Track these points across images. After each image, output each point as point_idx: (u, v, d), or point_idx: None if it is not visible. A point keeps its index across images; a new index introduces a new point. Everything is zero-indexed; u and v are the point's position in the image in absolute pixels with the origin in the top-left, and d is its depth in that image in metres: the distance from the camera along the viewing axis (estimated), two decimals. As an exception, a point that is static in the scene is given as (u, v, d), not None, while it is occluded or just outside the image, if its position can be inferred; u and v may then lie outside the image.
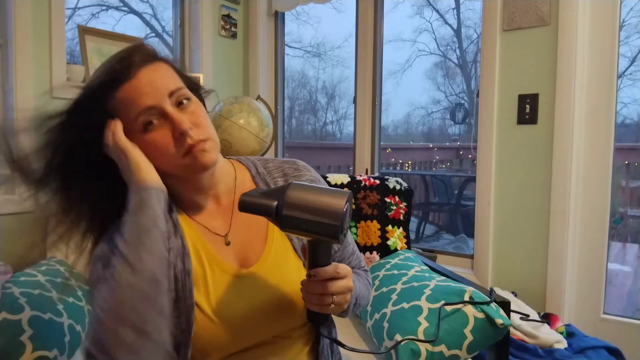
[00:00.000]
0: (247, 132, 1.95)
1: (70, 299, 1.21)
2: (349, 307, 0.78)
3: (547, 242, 1.68)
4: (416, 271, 1.35)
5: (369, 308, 1.30)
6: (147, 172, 0.67)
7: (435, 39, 7.18)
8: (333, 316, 0.81)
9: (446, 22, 7.16)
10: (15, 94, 1.57)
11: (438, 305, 1.11)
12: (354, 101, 2.33)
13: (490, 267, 1.82)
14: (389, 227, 1.72)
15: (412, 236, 2.06)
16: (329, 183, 1.72)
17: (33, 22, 1.62)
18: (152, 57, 0.70)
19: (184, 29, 2.37)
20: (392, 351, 1.07)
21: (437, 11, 6.94)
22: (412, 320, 1.11)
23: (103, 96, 0.67)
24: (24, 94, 1.59)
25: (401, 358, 1.04)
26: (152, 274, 0.60)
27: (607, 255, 1.68)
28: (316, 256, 0.65)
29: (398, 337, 1.08)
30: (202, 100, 0.78)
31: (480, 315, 1.08)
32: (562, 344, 1.41)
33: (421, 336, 1.06)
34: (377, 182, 1.76)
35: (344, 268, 0.67)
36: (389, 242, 1.70)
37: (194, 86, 0.76)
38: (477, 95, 1.86)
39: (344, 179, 1.77)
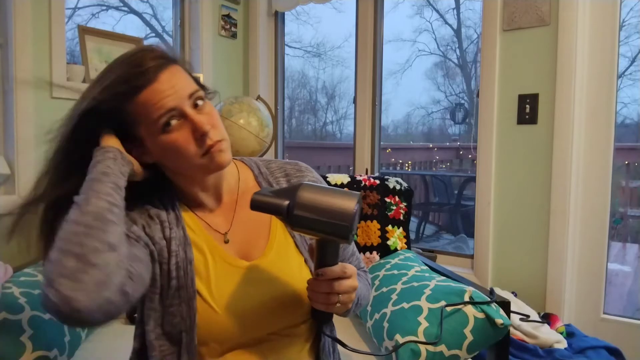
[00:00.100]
0: (247, 132, 1.95)
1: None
2: (351, 307, 0.78)
3: (547, 242, 1.68)
4: (416, 271, 1.35)
5: (369, 308, 1.30)
6: (109, 138, 0.70)
7: (435, 39, 7.19)
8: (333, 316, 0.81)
9: (446, 22, 7.17)
10: (15, 94, 1.57)
11: (438, 305, 1.11)
12: (354, 101, 2.33)
13: (490, 267, 1.82)
14: (389, 227, 1.72)
15: (412, 236, 2.06)
16: (328, 183, 1.72)
17: (33, 22, 1.62)
18: (168, 60, 0.72)
19: (184, 29, 2.37)
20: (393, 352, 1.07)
21: (437, 11, 6.94)
22: (412, 320, 1.11)
23: (124, 100, 0.69)
24: (24, 93, 1.59)
25: (401, 358, 1.04)
26: (98, 211, 0.60)
27: (607, 255, 1.68)
28: (324, 256, 0.66)
29: (398, 337, 1.08)
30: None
31: (481, 315, 1.08)
32: (562, 344, 1.41)
33: (421, 336, 1.06)
34: (377, 182, 1.76)
35: (350, 268, 0.68)
36: (389, 242, 1.70)
37: (201, 87, 0.77)
38: (477, 95, 1.86)
39: (344, 179, 1.77)
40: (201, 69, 2.31)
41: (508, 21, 1.74)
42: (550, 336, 1.41)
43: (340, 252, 0.87)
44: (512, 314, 1.24)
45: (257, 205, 0.66)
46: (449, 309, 1.10)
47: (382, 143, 2.34)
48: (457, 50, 7.14)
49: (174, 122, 0.69)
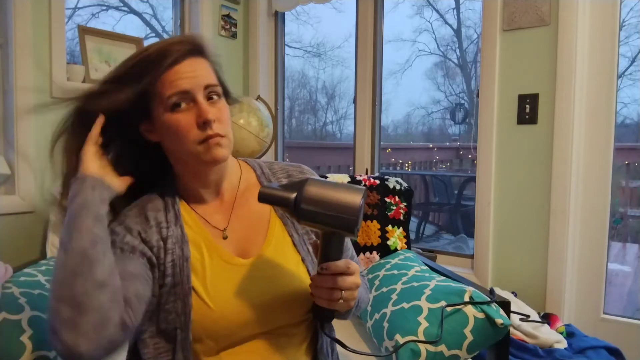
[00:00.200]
0: (247, 132, 1.95)
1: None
2: (351, 309, 0.78)
3: (547, 242, 1.68)
4: (416, 271, 1.35)
5: (368, 308, 1.30)
6: (87, 162, 0.71)
7: (435, 39, 7.19)
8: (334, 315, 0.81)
9: (446, 22, 7.17)
10: (15, 94, 1.57)
11: (438, 305, 1.11)
12: (354, 101, 2.33)
13: (490, 267, 1.82)
14: (389, 227, 1.72)
15: (412, 236, 2.06)
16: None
17: (33, 22, 1.62)
18: (197, 51, 0.76)
19: (184, 29, 2.37)
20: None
21: (437, 11, 6.94)
22: (412, 320, 1.11)
23: (149, 74, 0.73)
24: (24, 94, 1.59)
25: (401, 358, 1.04)
26: (81, 250, 0.62)
27: (607, 255, 1.68)
28: (329, 250, 0.68)
29: (398, 337, 1.08)
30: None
31: (481, 315, 1.08)
32: (562, 344, 1.41)
33: (421, 336, 1.06)
34: (377, 182, 1.76)
35: (353, 264, 0.69)
36: (389, 242, 1.70)
37: (225, 91, 0.80)
38: (477, 95, 1.86)
39: (344, 179, 1.77)
40: (201, 69, 2.31)
41: (508, 21, 1.74)
42: (550, 336, 1.41)
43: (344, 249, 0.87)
44: (512, 314, 1.24)
45: (264, 197, 0.68)
46: (449, 309, 1.10)
47: (382, 143, 2.34)
48: (457, 50, 7.14)
49: (183, 104, 0.73)
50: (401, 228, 1.73)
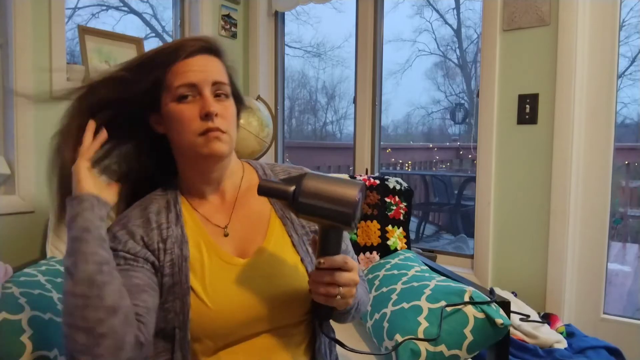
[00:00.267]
0: (247, 132, 1.95)
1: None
2: (351, 310, 0.78)
3: (547, 242, 1.68)
4: (416, 271, 1.35)
5: (368, 308, 1.30)
6: (82, 180, 0.70)
7: (435, 39, 7.19)
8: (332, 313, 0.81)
9: (446, 22, 7.17)
10: (16, 94, 1.57)
11: (438, 305, 1.11)
12: (354, 101, 2.33)
13: (490, 267, 1.82)
14: (389, 227, 1.72)
15: (412, 236, 2.06)
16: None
17: (33, 22, 1.62)
18: (214, 50, 0.79)
19: (184, 29, 2.37)
20: (393, 352, 1.07)
21: (437, 11, 6.95)
22: (412, 320, 1.11)
23: (162, 66, 0.76)
24: (24, 93, 1.59)
25: (401, 358, 1.04)
26: (88, 276, 0.63)
27: (607, 255, 1.68)
28: (327, 244, 0.68)
29: (398, 337, 1.08)
30: (239, 111, 0.84)
31: (480, 315, 1.08)
32: (562, 344, 1.41)
33: (421, 336, 1.06)
34: (377, 182, 1.76)
35: (351, 261, 0.69)
36: (389, 242, 1.70)
37: (238, 95, 0.83)
38: (477, 95, 1.86)
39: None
40: (201, 69, 2.31)
41: (508, 21, 1.74)
42: (550, 336, 1.41)
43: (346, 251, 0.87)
44: (512, 314, 1.24)
45: (264, 190, 0.69)
46: (449, 309, 1.10)
47: (382, 143, 2.34)
48: (457, 50, 7.15)
49: (190, 97, 0.75)
50: (401, 228, 1.73)
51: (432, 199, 4.73)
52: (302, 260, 0.80)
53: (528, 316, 1.45)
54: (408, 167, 5.35)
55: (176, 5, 2.39)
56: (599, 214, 1.67)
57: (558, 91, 1.64)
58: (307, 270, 0.79)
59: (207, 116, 0.73)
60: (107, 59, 1.89)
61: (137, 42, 2.02)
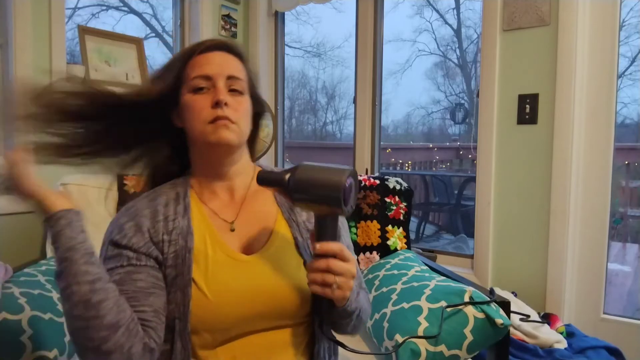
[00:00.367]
0: (247, 132, 1.95)
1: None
2: (352, 313, 0.78)
3: (547, 242, 1.68)
4: (416, 271, 1.35)
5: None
6: (48, 198, 0.68)
7: (435, 39, 7.20)
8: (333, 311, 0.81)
9: (446, 22, 7.17)
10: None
11: (438, 305, 1.11)
12: (354, 101, 2.33)
13: (490, 267, 1.82)
14: (389, 227, 1.72)
15: (412, 236, 2.06)
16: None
17: (33, 22, 1.62)
18: (234, 51, 0.82)
19: (184, 29, 2.37)
20: (393, 352, 1.07)
21: (437, 11, 6.95)
22: (412, 320, 1.11)
23: (182, 61, 0.80)
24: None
25: (401, 358, 1.04)
26: (83, 298, 0.63)
27: (607, 255, 1.68)
28: (323, 232, 0.71)
29: (398, 337, 1.08)
30: (257, 114, 0.86)
31: (480, 316, 1.08)
32: (562, 344, 1.41)
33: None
34: (377, 182, 1.76)
35: (348, 252, 0.70)
36: (389, 242, 1.70)
37: (257, 98, 0.85)
38: (477, 95, 1.86)
39: (344, 179, 1.77)
40: (201, 69, 2.31)
41: (508, 21, 1.74)
42: (550, 336, 1.41)
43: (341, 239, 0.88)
44: (512, 314, 1.24)
45: (262, 178, 0.73)
46: (449, 309, 1.10)
47: (382, 143, 2.34)
48: (457, 50, 7.15)
49: (204, 88, 0.77)
50: (401, 228, 1.73)
51: (432, 199, 4.73)
52: (305, 262, 0.80)
53: (528, 316, 1.45)
54: (408, 167, 5.35)
55: (176, 5, 2.39)
56: (599, 214, 1.67)
57: (558, 91, 1.64)
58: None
59: (217, 104, 0.75)
60: (107, 59, 1.89)
61: (137, 42, 2.02)
